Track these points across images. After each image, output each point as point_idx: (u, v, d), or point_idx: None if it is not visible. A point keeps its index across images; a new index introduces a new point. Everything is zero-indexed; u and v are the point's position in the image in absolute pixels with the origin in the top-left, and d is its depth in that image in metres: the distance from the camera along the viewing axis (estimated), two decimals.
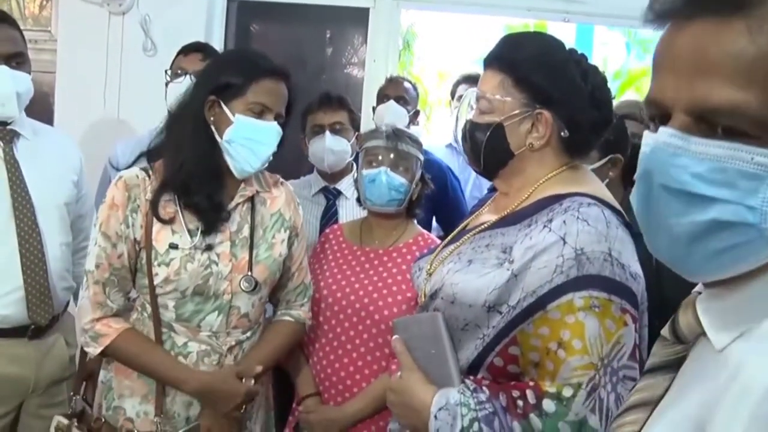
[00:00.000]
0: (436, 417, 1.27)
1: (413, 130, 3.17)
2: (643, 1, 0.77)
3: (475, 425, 1.24)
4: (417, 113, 3.29)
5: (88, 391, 2.19)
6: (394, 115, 3.07)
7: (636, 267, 1.31)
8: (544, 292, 1.27)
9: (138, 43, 3.37)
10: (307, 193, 2.79)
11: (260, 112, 1.81)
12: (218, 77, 1.83)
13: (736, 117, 0.68)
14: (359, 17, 3.66)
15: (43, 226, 2.20)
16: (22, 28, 2.30)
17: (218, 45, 3.54)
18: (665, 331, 0.81)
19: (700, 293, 0.79)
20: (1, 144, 2.20)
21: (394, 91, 3.20)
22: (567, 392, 1.23)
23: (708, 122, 0.70)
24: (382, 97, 3.20)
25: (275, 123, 1.84)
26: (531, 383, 1.29)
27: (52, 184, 2.27)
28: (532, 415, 1.25)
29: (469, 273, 1.38)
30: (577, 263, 1.26)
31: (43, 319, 2.18)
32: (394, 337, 1.39)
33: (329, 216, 2.72)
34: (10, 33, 2.19)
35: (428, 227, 3.06)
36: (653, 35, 0.75)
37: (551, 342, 1.27)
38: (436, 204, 3.04)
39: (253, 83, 1.80)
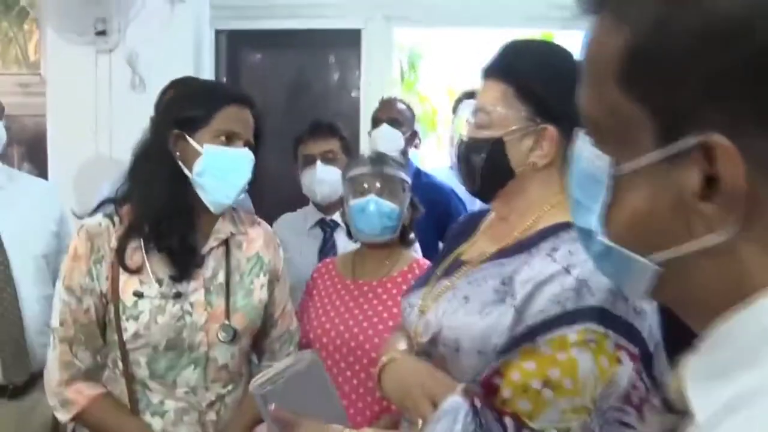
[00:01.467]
0: None
1: (411, 152, 3.07)
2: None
3: None
4: (414, 135, 3.16)
5: None
6: (387, 139, 2.95)
7: (644, 303, 1.16)
8: (536, 322, 1.14)
9: (126, 80, 3.30)
10: (303, 226, 2.69)
11: (228, 140, 1.71)
12: (180, 111, 1.73)
13: (584, 118, 0.65)
14: (353, 40, 3.58)
15: (19, 280, 2.12)
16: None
17: (208, 77, 3.47)
18: (656, 399, 0.67)
19: None
20: None
21: (387, 113, 3.07)
22: None
23: None
24: (375, 120, 3.08)
25: (246, 149, 1.74)
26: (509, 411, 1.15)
27: (29, 234, 2.20)
28: None
29: (469, 314, 1.24)
30: (576, 295, 1.13)
31: (19, 378, 2.09)
32: (269, 407, 1.16)
33: (327, 249, 2.62)
34: None
35: (434, 253, 2.94)
36: None
37: (534, 379, 1.13)
38: (441, 228, 2.92)
39: (217, 111, 1.71)
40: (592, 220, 0.65)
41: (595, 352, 1.11)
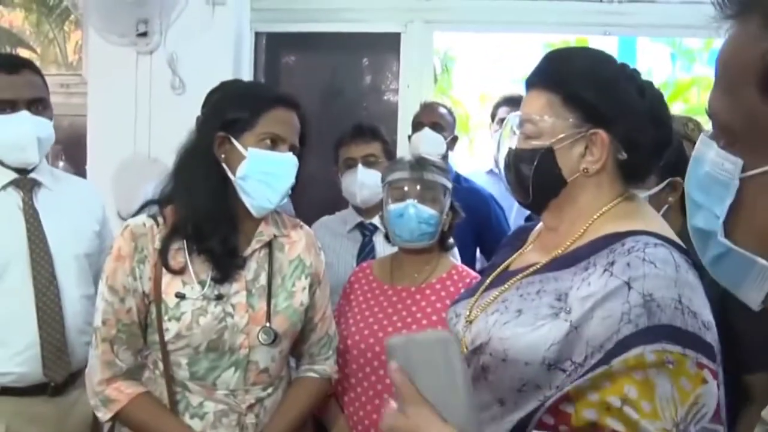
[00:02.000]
0: None
1: (450, 156, 3.05)
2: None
3: None
4: (455, 139, 3.14)
5: None
6: (430, 142, 2.93)
7: (707, 315, 1.13)
8: (612, 346, 1.10)
9: (166, 82, 3.31)
10: (342, 229, 2.67)
11: (273, 143, 1.70)
12: (225, 113, 1.72)
13: (715, 122, 0.66)
14: (392, 43, 3.57)
15: (61, 279, 2.13)
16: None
17: (247, 79, 3.47)
18: (766, 413, 0.65)
19: None
20: (21, 194, 2.14)
21: (429, 117, 3.05)
22: None
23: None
24: (416, 124, 3.06)
25: (290, 154, 1.73)
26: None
27: (72, 234, 2.20)
28: None
29: (520, 326, 1.21)
30: (647, 311, 1.09)
31: (58, 376, 2.08)
32: (391, 363, 1.09)
33: (366, 253, 2.59)
34: (31, 78, 2.15)
35: (472, 259, 2.92)
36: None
37: (612, 396, 1.09)
38: (480, 234, 2.91)
39: (263, 114, 1.70)
40: (714, 222, 0.64)
41: (674, 374, 1.07)
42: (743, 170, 0.62)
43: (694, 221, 0.68)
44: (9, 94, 2.08)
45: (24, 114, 2.08)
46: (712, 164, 0.65)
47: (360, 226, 2.65)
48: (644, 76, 1.34)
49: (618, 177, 1.29)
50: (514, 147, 1.33)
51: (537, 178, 1.29)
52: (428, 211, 2.01)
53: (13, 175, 2.14)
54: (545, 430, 1.17)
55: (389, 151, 2.68)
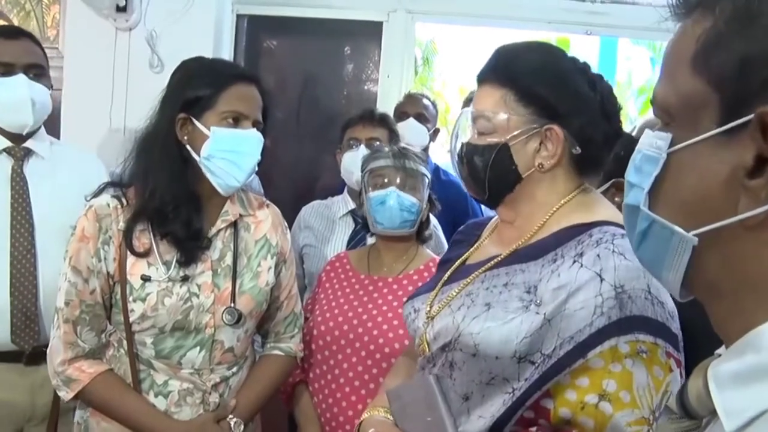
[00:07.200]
0: None
1: (432, 148, 3.06)
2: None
3: None
4: (437, 131, 3.16)
5: None
6: (415, 133, 2.95)
7: (671, 304, 1.16)
8: (584, 338, 1.12)
9: (144, 60, 3.27)
10: (334, 214, 2.67)
11: (236, 121, 1.68)
12: (185, 92, 1.69)
13: (654, 106, 0.70)
14: (374, 32, 3.54)
15: (41, 248, 2.11)
16: None
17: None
18: (672, 402, 0.65)
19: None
20: (12, 161, 2.14)
21: (414, 108, 3.06)
22: None
23: None
24: (400, 114, 3.05)
25: (254, 130, 1.71)
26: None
27: (61, 204, 2.15)
28: None
29: (491, 320, 1.21)
30: (619, 303, 1.12)
31: (26, 344, 2.06)
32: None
33: (357, 240, 2.58)
34: (29, 46, 2.18)
35: None
36: None
37: (589, 395, 1.12)
38: (457, 228, 2.90)
39: (223, 91, 1.67)
40: (641, 196, 0.67)
41: (648, 363, 1.10)
42: (671, 145, 0.65)
43: (627, 200, 0.71)
44: (7, 58, 2.11)
45: (20, 77, 2.11)
46: (647, 145, 0.68)
47: (353, 213, 2.65)
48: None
49: (572, 171, 1.31)
50: (467, 142, 1.34)
51: (492, 174, 1.30)
52: (410, 199, 2.01)
53: (7, 143, 2.14)
54: (526, 426, 1.19)
55: (394, 140, 2.68)
